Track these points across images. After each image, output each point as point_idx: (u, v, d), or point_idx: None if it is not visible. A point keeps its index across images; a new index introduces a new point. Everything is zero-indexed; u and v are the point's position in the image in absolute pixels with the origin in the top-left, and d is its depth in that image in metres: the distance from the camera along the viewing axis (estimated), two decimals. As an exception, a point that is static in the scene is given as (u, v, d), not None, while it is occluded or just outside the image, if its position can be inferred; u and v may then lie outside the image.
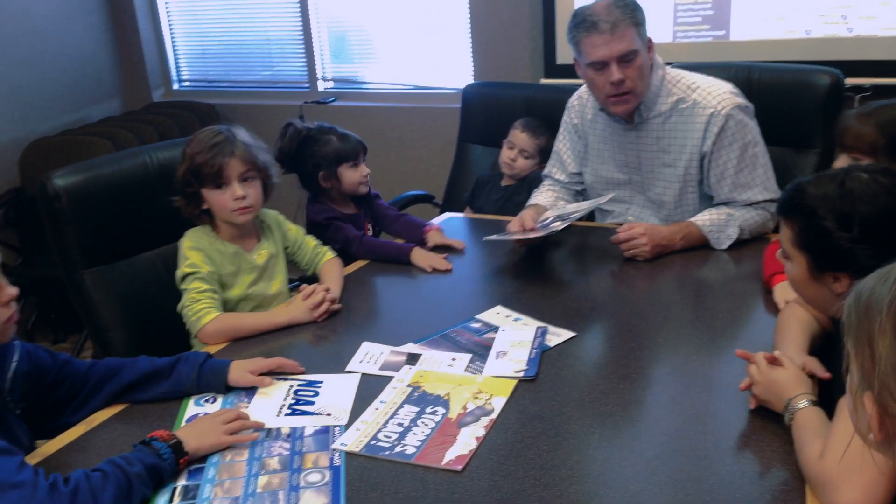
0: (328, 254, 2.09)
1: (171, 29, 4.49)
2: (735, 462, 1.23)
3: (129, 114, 4.29)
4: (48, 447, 1.37)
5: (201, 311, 1.78)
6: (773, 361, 1.31)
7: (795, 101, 2.41)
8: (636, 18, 2.06)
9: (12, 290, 1.29)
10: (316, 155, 2.27)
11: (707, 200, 2.21)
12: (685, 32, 3.18)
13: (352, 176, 2.29)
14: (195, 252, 1.85)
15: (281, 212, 2.09)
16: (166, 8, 4.44)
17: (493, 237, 2.13)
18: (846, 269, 1.25)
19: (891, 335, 0.79)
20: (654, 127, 2.19)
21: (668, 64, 2.24)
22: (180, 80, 4.60)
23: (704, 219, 2.13)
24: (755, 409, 1.33)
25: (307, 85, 4.24)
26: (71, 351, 3.60)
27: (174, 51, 4.53)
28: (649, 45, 2.12)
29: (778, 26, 3.03)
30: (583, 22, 2.06)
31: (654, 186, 2.25)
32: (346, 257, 2.20)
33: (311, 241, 2.09)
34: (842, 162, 1.70)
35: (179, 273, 1.83)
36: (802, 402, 1.22)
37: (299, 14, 4.10)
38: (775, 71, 2.49)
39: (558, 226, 2.06)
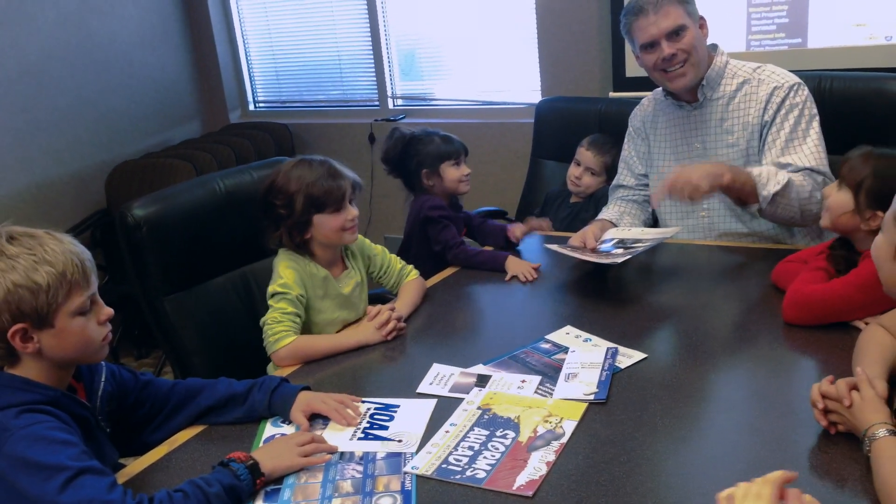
0: (412, 273, 2.13)
1: (247, 52, 4.64)
2: (813, 490, 1.18)
3: (207, 135, 4.44)
4: (133, 467, 1.43)
5: (280, 332, 1.82)
6: (853, 387, 1.27)
7: (868, 110, 2.36)
8: None
9: (109, 311, 1.35)
10: (420, 153, 2.40)
11: None
12: (759, 41, 3.11)
13: (453, 173, 2.39)
14: (290, 271, 1.89)
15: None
16: (242, 32, 4.59)
17: (555, 247, 2.15)
18: None
19: None
20: (718, 108, 2.23)
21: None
22: (256, 102, 4.74)
23: (755, 170, 2.08)
24: (834, 436, 1.29)
25: (377, 103, 4.31)
26: (154, 366, 3.74)
27: (250, 73, 4.68)
28: (701, 23, 2.19)
29: (858, 33, 2.93)
30: (630, 9, 2.18)
31: None
32: (439, 262, 2.27)
33: (397, 262, 2.13)
34: (832, 188, 1.78)
35: (270, 289, 1.89)
36: (881, 432, 1.18)
37: (369, 33, 4.18)
38: (847, 79, 2.43)
39: (619, 255, 2.02)
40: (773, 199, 2.02)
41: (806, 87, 2.19)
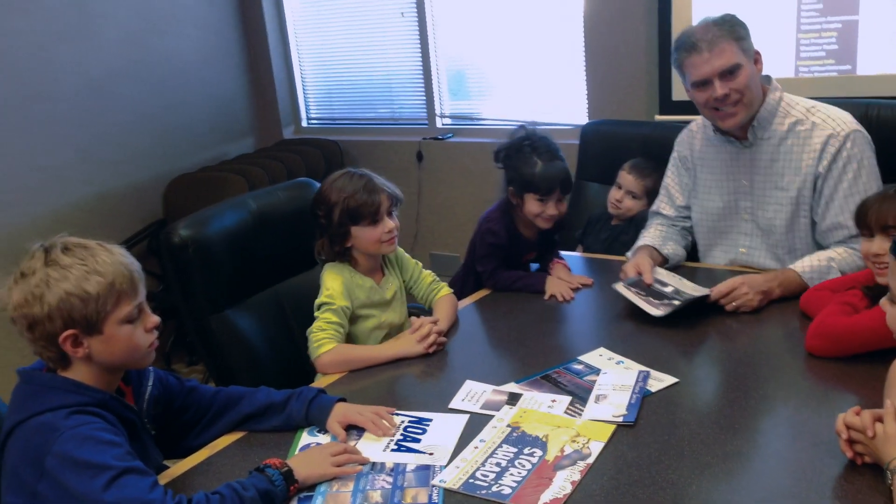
0: (444, 289, 2.17)
1: (301, 70, 4.76)
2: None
3: (261, 150, 4.57)
4: (176, 469, 1.50)
5: (322, 339, 1.89)
6: (879, 418, 1.27)
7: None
8: (736, 33, 2.07)
9: (155, 319, 1.42)
10: (515, 169, 2.24)
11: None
12: (808, 67, 3.10)
13: (533, 207, 2.23)
14: (336, 283, 1.97)
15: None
16: (298, 51, 4.72)
17: (622, 290, 2.08)
18: None
19: None
20: (769, 148, 2.18)
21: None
22: (308, 119, 4.86)
23: (804, 265, 2.07)
24: (860, 466, 1.29)
25: (426, 122, 4.39)
26: (203, 373, 3.84)
27: (304, 90, 4.81)
28: (756, 57, 2.12)
29: (909, 60, 2.91)
30: (683, 44, 2.11)
31: (765, 211, 2.22)
32: (479, 284, 2.32)
33: (428, 276, 2.19)
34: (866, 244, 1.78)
35: (318, 301, 1.96)
36: None
37: (419, 53, 4.26)
38: (894, 107, 2.39)
39: (677, 305, 1.98)
40: None
41: (862, 132, 2.11)
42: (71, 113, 3.79)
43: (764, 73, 2.18)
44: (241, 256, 2.09)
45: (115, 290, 1.32)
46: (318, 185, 2.28)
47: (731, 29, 2.07)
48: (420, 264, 2.21)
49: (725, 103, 2.09)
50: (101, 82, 3.91)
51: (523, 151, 2.23)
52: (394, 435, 1.56)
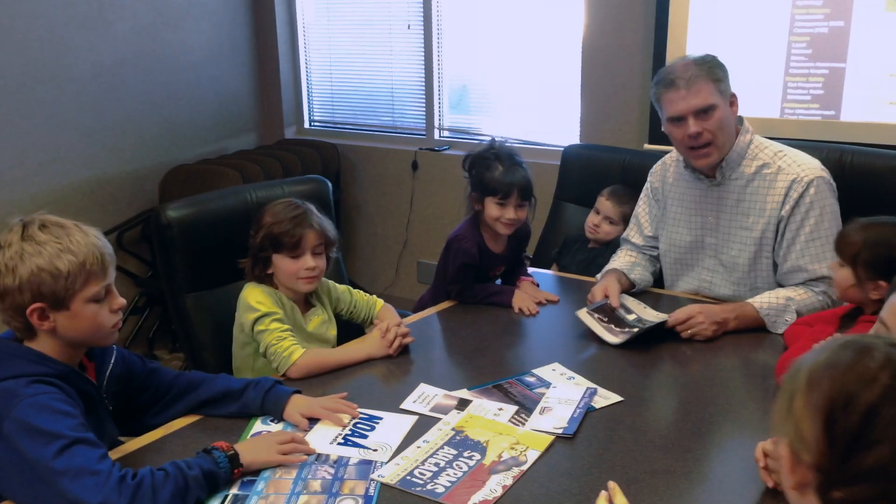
0: (379, 302, 2.19)
1: (308, 72, 4.85)
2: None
3: (261, 148, 4.66)
4: (130, 445, 1.57)
5: (290, 348, 1.88)
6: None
7: (887, 187, 2.38)
8: (714, 74, 2.13)
9: (121, 301, 1.49)
10: (478, 174, 2.28)
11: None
12: (793, 110, 3.17)
13: (493, 211, 2.26)
14: (265, 296, 1.96)
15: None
16: (306, 53, 4.81)
17: (584, 317, 2.12)
18: None
19: (804, 385, 0.90)
20: (736, 189, 2.24)
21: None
22: (311, 120, 4.95)
23: (763, 301, 2.13)
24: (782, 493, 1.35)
25: (424, 132, 4.47)
26: (184, 360, 3.91)
27: (309, 92, 4.89)
28: (732, 100, 2.18)
29: (891, 111, 2.97)
30: (662, 80, 2.17)
31: (729, 249, 2.28)
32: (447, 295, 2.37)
33: (363, 296, 2.19)
34: (835, 264, 1.86)
35: (251, 317, 1.92)
36: None
37: (423, 66, 4.35)
38: (868, 155, 2.46)
39: (635, 332, 2.04)
40: None
41: (825, 178, 2.15)
42: (79, 97, 3.88)
43: (748, 113, 2.24)
44: (231, 243, 2.09)
45: (85, 270, 1.39)
46: (328, 184, 2.34)
47: (709, 70, 2.14)
48: (351, 289, 2.20)
49: (699, 141, 2.14)
50: (111, 70, 4.00)
51: (487, 158, 2.28)
52: (342, 430, 1.63)
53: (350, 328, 2.21)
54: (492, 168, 2.26)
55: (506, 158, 2.27)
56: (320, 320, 2.09)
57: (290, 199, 2.03)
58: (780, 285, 2.23)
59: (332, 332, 2.13)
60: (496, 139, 2.38)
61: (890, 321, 1.39)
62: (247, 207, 2.22)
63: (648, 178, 2.50)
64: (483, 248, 2.34)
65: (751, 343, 2.06)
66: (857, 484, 0.85)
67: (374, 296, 2.23)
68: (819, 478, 0.87)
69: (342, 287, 2.19)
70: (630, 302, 2.22)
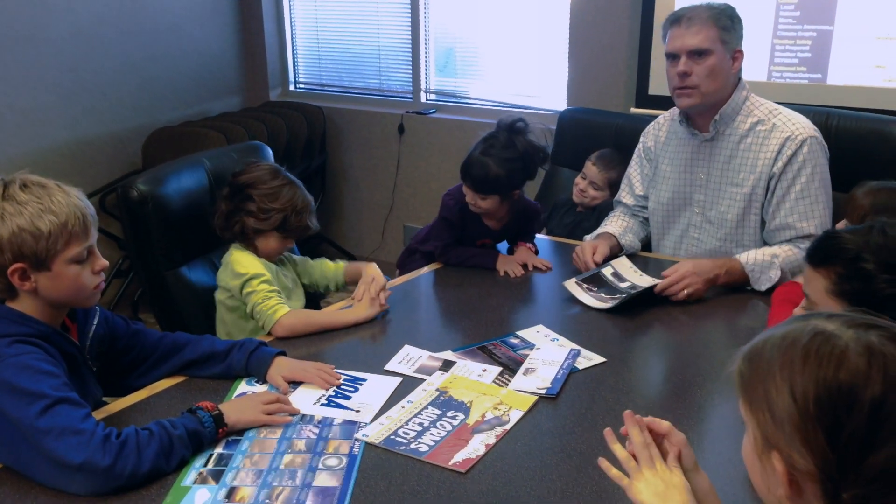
0: (341, 263, 2.23)
1: (293, 33, 4.78)
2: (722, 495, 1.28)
3: (246, 110, 4.60)
4: (114, 405, 1.57)
5: (276, 305, 1.91)
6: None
7: (870, 151, 2.40)
8: (720, 22, 2.13)
9: (104, 262, 1.48)
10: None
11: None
12: (781, 73, 3.16)
13: (465, 191, 2.27)
14: (252, 259, 2.00)
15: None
16: (290, 14, 4.74)
17: (571, 287, 2.11)
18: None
19: (786, 393, 0.83)
20: (729, 145, 2.25)
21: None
22: (297, 83, 4.89)
23: (749, 257, 2.14)
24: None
25: (410, 96, 4.43)
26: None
27: (294, 54, 4.83)
28: (735, 55, 2.17)
29: (877, 74, 2.97)
30: (672, 16, 2.19)
31: (718, 205, 2.29)
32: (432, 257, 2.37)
33: (327, 262, 2.23)
34: (841, 225, 1.80)
35: (238, 281, 1.95)
36: None
37: (409, 27, 4.30)
38: (853, 118, 2.47)
39: (623, 298, 2.04)
40: None
41: (818, 139, 2.17)
42: (56, 58, 3.81)
43: (739, 77, 2.23)
44: (198, 214, 2.09)
45: (66, 231, 1.38)
46: (269, 150, 2.31)
47: (717, 16, 2.13)
48: (321, 260, 2.24)
49: (684, 82, 2.16)
50: (89, 30, 3.92)
51: (481, 139, 2.26)
52: (329, 388, 1.64)
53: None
54: (474, 148, 2.25)
55: (491, 147, 2.21)
56: (291, 278, 2.15)
57: (292, 182, 2.05)
58: (766, 243, 2.25)
59: (300, 291, 2.18)
60: (504, 121, 2.25)
61: (812, 293, 1.40)
62: (206, 177, 2.17)
63: (641, 139, 2.50)
64: (469, 213, 2.33)
65: (735, 306, 2.08)
66: (871, 484, 0.80)
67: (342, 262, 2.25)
68: (825, 484, 0.82)
69: (307, 259, 2.24)
70: (624, 269, 2.20)
